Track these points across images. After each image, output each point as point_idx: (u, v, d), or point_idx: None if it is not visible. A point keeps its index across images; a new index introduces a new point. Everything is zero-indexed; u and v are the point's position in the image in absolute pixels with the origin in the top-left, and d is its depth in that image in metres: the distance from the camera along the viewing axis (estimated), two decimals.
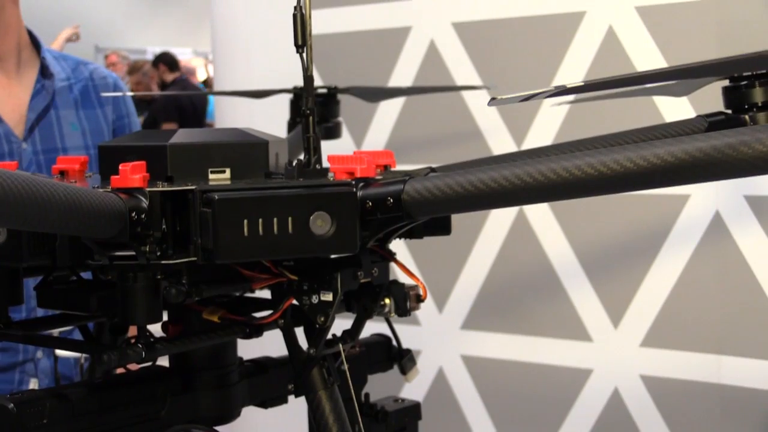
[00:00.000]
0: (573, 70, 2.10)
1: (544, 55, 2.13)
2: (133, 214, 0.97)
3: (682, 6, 1.99)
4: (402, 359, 1.36)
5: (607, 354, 2.11)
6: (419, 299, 1.17)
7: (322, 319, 1.08)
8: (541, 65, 2.13)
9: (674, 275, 2.03)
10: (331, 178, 1.08)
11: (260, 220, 0.99)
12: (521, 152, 1.33)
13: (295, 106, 1.69)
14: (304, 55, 1.11)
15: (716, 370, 1.99)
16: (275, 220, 0.99)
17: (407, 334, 1.45)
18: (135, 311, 1.02)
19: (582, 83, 0.92)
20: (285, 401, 1.29)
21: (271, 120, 1.94)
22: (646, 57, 2.03)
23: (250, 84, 2.41)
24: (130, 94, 2.19)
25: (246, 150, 1.13)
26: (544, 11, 2.13)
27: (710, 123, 1.36)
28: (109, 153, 1.14)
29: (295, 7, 1.11)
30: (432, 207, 1.04)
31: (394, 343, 1.38)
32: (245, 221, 0.98)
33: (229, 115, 2.49)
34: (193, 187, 1.01)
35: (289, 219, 1.00)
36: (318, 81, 2.35)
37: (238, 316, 1.13)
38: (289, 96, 1.75)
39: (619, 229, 2.10)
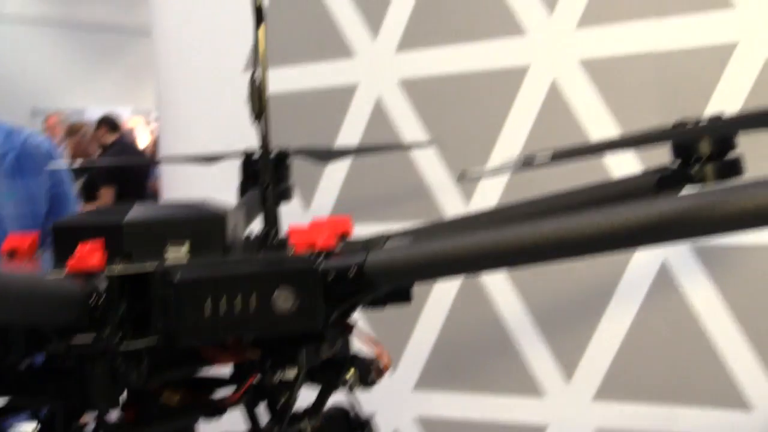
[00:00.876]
0: (518, 125, 2.12)
1: (490, 110, 2.14)
2: (92, 299, 0.95)
3: (626, 59, 2.02)
4: (363, 429, 1.34)
5: (561, 409, 2.11)
6: (381, 370, 1.16)
7: (286, 395, 1.06)
8: (487, 120, 2.15)
9: (624, 327, 2.04)
10: (292, 251, 1.07)
11: (223, 300, 0.97)
12: (476, 214, 1.33)
13: (247, 169, 1.68)
14: (261, 125, 1.10)
15: (671, 421, 2.00)
16: (238, 298, 0.97)
17: (360, 397, 1.43)
18: (93, 397, 1.00)
19: (549, 155, 0.92)
20: None
21: (221, 183, 1.92)
22: (590, 110, 2.05)
23: (197, 145, 2.39)
24: (73, 164, 2.16)
25: (204, 224, 1.11)
26: (488, 66, 2.15)
27: (660, 178, 1.37)
28: (63, 232, 1.12)
29: (252, 77, 1.10)
30: (394, 277, 1.03)
31: (352, 414, 1.36)
32: (208, 301, 0.97)
33: (177, 178, 2.46)
34: (153, 269, 0.99)
35: (252, 297, 0.98)
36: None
37: (198, 396, 1.11)
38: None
39: (569, 282, 2.10)
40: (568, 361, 2.09)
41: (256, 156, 1.68)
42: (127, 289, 0.99)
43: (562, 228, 0.96)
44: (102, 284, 0.96)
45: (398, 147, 2.09)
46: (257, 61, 1.10)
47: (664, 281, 2.00)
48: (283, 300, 0.99)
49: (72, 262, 0.98)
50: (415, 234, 1.22)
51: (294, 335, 1.08)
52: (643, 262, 2.01)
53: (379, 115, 2.26)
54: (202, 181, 2.36)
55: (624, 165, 1.99)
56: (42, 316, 0.88)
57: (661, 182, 1.36)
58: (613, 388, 2.05)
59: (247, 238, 1.10)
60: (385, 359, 1.16)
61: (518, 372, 2.14)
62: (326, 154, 1.86)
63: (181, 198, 1.20)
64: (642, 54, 2.01)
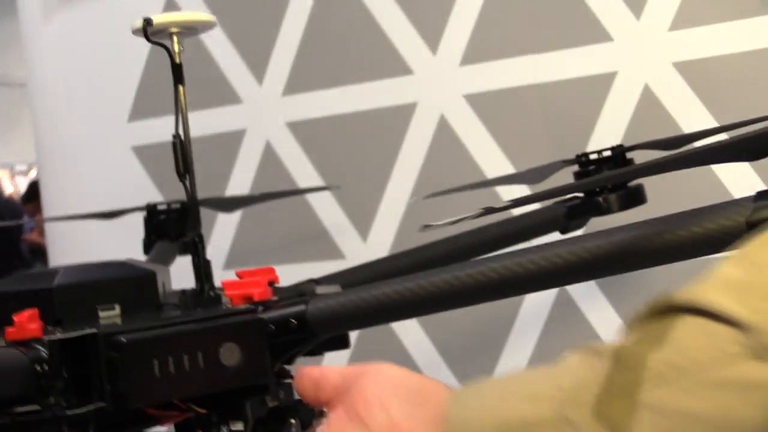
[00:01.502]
0: (409, 160, 2.15)
1: (381, 148, 2.18)
2: (36, 367, 0.94)
3: (509, 92, 2.08)
4: None
5: None
6: (323, 414, 1.17)
7: None
8: (379, 157, 2.17)
9: (526, 355, 2.08)
10: (228, 305, 1.07)
11: (170, 359, 0.97)
12: (398, 255, 1.36)
13: (151, 223, 1.66)
14: (187, 182, 1.10)
15: None
16: (186, 356, 0.97)
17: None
18: None
19: (509, 202, 0.95)
20: None
21: (118, 239, 1.90)
22: (478, 143, 2.10)
23: (83, 197, 2.36)
24: None
25: (134, 284, 1.10)
26: (376, 105, 2.18)
27: (569, 208, 1.43)
28: None
29: (174, 136, 1.11)
30: (336, 325, 1.05)
31: None
32: (155, 362, 0.96)
33: (66, 236, 2.42)
34: (95, 331, 0.98)
35: (199, 354, 0.98)
36: (156, 193, 2.32)
37: None
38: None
39: (470, 313, 2.14)
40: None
41: (160, 208, 1.67)
42: (68, 354, 0.97)
43: (503, 267, 0.99)
44: (43, 352, 0.95)
45: (299, 192, 2.11)
46: (178, 118, 1.11)
47: (563, 304, 2.05)
48: (229, 355, 0.99)
49: (12, 331, 0.96)
50: (341, 277, 1.24)
51: (239, 388, 1.08)
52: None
53: (269, 158, 2.27)
54: (89, 236, 2.33)
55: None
56: None
57: (570, 212, 1.41)
58: None
59: (183, 292, 1.10)
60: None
61: None
62: (232, 203, 1.86)
63: (101, 260, 1.19)
64: (525, 86, 2.07)
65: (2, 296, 1.07)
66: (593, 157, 1.44)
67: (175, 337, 0.98)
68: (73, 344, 0.98)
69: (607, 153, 1.43)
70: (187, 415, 1.06)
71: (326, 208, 2.23)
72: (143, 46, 2.36)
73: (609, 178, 1.36)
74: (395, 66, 2.16)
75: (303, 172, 2.24)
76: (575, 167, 1.47)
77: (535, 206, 1.49)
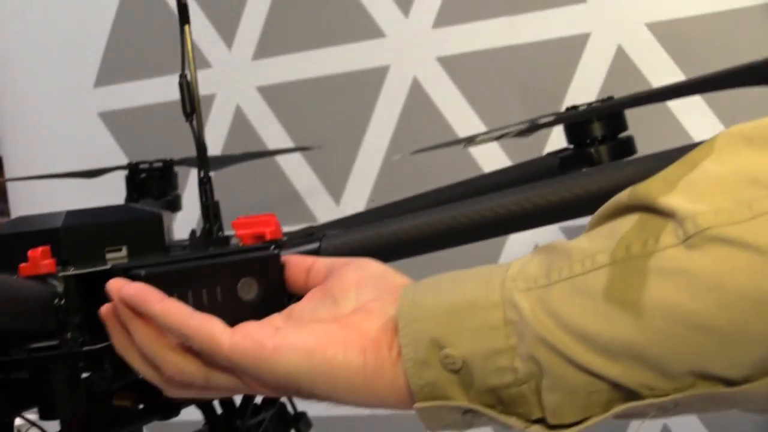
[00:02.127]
0: (382, 124, 2.15)
1: (353, 111, 2.17)
2: (55, 301, 0.92)
3: (482, 54, 2.09)
4: (298, 423, 1.34)
5: None
6: None
7: None
8: (351, 121, 2.17)
9: None
10: (238, 244, 1.06)
11: (189, 293, 0.96)
12: (396, 203, 1.36)
13: (133, 182, 1.64)
14: (194, 123, 1.09)
15: None
16: (204, 291, 0.96)
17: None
18: (57, 405, 0.96)
19: (553, 117, 0.96)
20: None
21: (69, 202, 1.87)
22: (452, 105, 2.11)
23: (47, 163, 2.32)
24: None
25: (142, 226, 1.09)
26: (348, 69, 2.17)
27: (561, 159, 1.43)
28: None
29: (181, 75, 1.09)
30: None
31: (290, 408, 1.36)
32: (175, 295, 0.95)
33: (21, 198, 2.38)
34: (109, 267, 0.97)
35: (217, 288, 0.97)
36: (124, 160, 2.29)
37: (151, 397, 1.09)
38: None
39: (445, 268, 2.14)
40: None
41: (142, 166, 1.65)
42: (82, 291, 0.96)
43: (514, 201, 1.00)
44: (59, 287, 0.94)
45: (282, 151, 2.10)
46: (185, 60, 1.09)
47: None
48: (247, 290, 0.99)
49: (25, 267, 0.94)
50: (347, 222, 1.23)
51: None
52: (516, 250, 2.08)
53: (239, 123, 2.25)
54: (50, 200, 2.29)
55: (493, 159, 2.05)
56: (14, 317, 0.85)
57: (563, 164, 1.42)
58: None
59: (193, 233, 1.09)
60: None
61: None
62: (213, 162, 1.84)
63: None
64: (498, 48, 2.08)
65: (6, 238, 1.05)
66: (582, 108, 1.45)
67: (194, 271, 0.96)
68: (87, 281, 0.96)
69: (597, 104, 1.44)
70: None
71: (298, 171, 2.22)
72: (109, 9, 2.34)
73: (622, 103, 1.35)
74: (367, 29, 2.15)
75: (274, 136, 2.23)
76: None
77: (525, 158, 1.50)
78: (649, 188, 0.65)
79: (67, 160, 2.30)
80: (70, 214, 1.07)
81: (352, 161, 2.18)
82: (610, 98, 1.45)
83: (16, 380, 1.05)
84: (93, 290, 0.97)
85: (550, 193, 1.01)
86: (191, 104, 1.08)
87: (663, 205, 0.63)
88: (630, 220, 0.65)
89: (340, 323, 0.75)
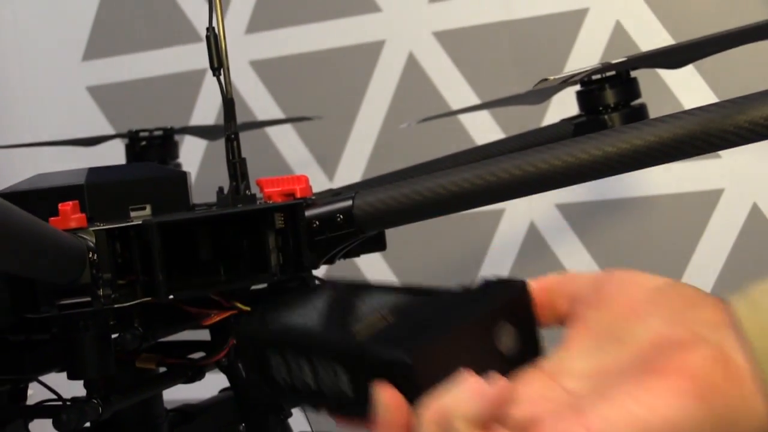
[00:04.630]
0: (377, 99, 2.13)
1: (348, 86, 2.15)
2: (89, 255, 0.90)
3: (476, 29, 2.07)
4: None
5: None
6: None
7: None
8: (345, 96, 2.15)
9: None
10: (263, 201, 1.04)
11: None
12: (439, 159, 1.35)
13: (132, 151, 1.62)
14: (222, 77, 1.07)
15: None
16: (472, 357, 0.94)
17: None
18: (87, 363, 0.94)
19: (624, 58, 0.94)
20: None
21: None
22: (448, 80, 2.09)
23: (37, 135, 2.28)
24: None
25: (166, 184, 1.07)
26: (343, 43, 2.15)
27: (576, 125, 1.42)
28: (14, 201, 1.04)
29: (208, 29, 1.07)
30: (384, 219, 1.02)
31: None
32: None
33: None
34: (140, 222, 0.94)
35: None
36: (110, 131, 2.26)
37: (176, 359, 1.07)
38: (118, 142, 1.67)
39: (439, 251, 2.14)
40: None
41: (142, 134, 1.63)
42: (113, 246, 0.94)
43: (556, 156, 0.98)
44: (91, 242, 0.91)
45: (281, 121, 2.07)
46: (212, 12, 1.07)
47: (533, 242, 2.06)
48: (506, 339, 0.88)
49: (56, 221, 0.92)
50: (370, 184, 1.22)
51: (279, 287, 1.06)
52: (511, 226, 2.07)
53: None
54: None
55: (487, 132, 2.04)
56: (51, 268, 0.83)
57: (577, 130, 1.41)
58: None
59: (220, 191, 1.06)
60: None
61: None
62: (214, 131, 1.82)
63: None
64: (495, 23, 2.06)
65: (27, 194, 1.02)
66: (596, 76, 1.44)
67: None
68: (116, 237, 0.94)
69: (611, 72, 1.43)
70: (230, 312, 1.03)
71: (292, 147, 2.19)
72: None
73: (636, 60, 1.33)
74: (362, 3, 2.13)
75: (267, 112, 2.20)
76: (577, 87, 1.47)
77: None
78: None
79: (55, 135, 2.26)
80: (93, 171, 1.05)
81: (346, 137, 2.15)
82: (624, 62, 1.43)
83: (38, 341, 1.03)
84: (123, 245, 0.95)
85: (587, 149, 0.99)
86: (218, 58, 1.06)
87: None
88: None
89: (656, 372, 0.54)
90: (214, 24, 1.06)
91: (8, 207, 0.72)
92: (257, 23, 2.21)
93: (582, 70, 1.14)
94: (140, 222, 0.94)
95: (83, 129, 2.22)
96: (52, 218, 0.92)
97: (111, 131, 2.24)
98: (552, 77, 0.97)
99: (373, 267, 2.15)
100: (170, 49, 2.26)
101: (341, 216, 1.01)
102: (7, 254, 0.74)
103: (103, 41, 2.31)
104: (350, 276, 1.15)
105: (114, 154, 1.75)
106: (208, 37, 1.06)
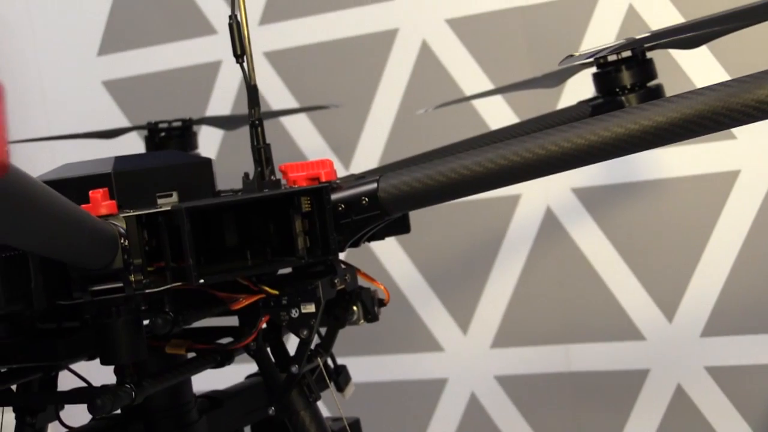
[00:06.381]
0: (391, 87, 2.14)
1: (362, 75, 2.16)
2: (121, 241, 0.91)
3: (490, 15, 2.08)
4: (338, 376, 1.33)
5: (460, 360, 2.15)
6: (382, 303, 1.16)
7: (306, 332, 1.04)
8: (360, 84, 2.16)
9: (515, 274, 2.10)
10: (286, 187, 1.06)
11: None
12: (464, 141, 1.36)
13: (151, 142, 1.63)
14: (245, 64, 1.08)
15: (565, 360, 2.07)
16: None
17: None
18: (120, 349, 0.95)
19: (648, 33, 0.95)
20: None
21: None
22: (462, 67, 2.10)
23: (53, 130, 2.30)
24: None
25: (192, 171, 1.08)
26: (356, 33, 2.16)
27: (593, 107, 1.43)
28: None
29: (230, 17, 1.08)
30: (409, 201, 1.03)
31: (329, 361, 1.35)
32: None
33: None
34: (168, 209, 0.95)
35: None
36: (125, 123, 2.28)
37: (205, 344, 1.08)
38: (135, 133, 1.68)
39: (456, 237, 2.15)
40: (464, 314, 2.13)
41: (161, 126, 1.64)
42: (141, 233, 0.95)
43: (578, 135, 0.99)
44: (122, 228, 0.92)
45: (297, 110, 2.08)
46: (234, 1, 1.08)
47: (549, 226, 2.07)
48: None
49: (86, 207, 0.93)
50: (394, 167, 1.22)
51: (308, 270, 1.07)
52: (528, 211, 2.08)
53: (245, 88, 2.23)
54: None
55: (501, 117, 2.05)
56: (85, 253, 0.84)
57: (594, 111, 1.42)
58: (508, 334, 2.11)
59: (246, 176, 1.08)
60: (384, 292, 1.16)
61: (416, 330, 2.16)
62: (231, 121, 1.83)
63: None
64: (508, 9, 2.07)
65: (55, 183, 1.03)
66: (612, 58, 1.45)
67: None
68: (146, 223, 0.95)
69: (627, 53, 1.43)
70: (259, 296, 1.04)
71: (308, 137, 2.20)
72: None
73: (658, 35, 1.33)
74: None
75: (282, 102, 2.21)
76: (593, 69, 1.48)
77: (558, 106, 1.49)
78: None
79: (71, 129, 2.27)
80: (120, 160, 1.06)
81: (362, 126, 2.16)
82: (639, 42, 1.43)
83: (67, 329, 1.04)
84: (149, 233, 0.96)
85: (603, 128, 0.99)
86: (241, 45, 1.07)
87: None
88: None
89: None
90: (237, 12, 1.06)
91: (51, 192, 0.73)
92: (270, 15, 2.21)
93: (607, 46, 1.14)
94: (169, 208, 0.95)
95: (99, 123, 2.24)
96: (84, 205, 0.93)
97: (127, 124, 2.25)
98: (578, 53, 0.98)
99: (390, 254, 2.16)
100: (184, 42, 2.27)
101: (366, 199, 1.02)
102: (49, 238, 0.76)
103: (118, 36, 2.32)
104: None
105: (130, 148, 1.76)
106: (230, 25, 1.07)
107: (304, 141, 2.21)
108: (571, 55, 1.03)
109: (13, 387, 1.10)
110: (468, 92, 2.09)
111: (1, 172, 0.49)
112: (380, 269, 2.17)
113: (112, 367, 1.00)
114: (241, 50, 1.08)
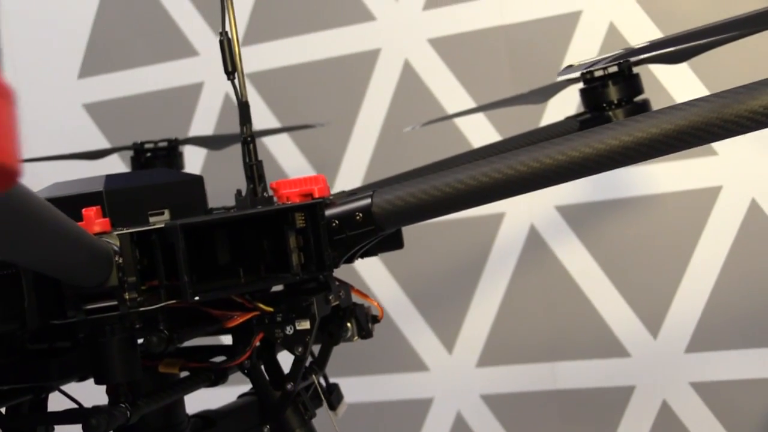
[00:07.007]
0: (374, 107, 2.14)
1: (345, 96, 2.16)
2: (116, 258, 0.90)
3: (472, 34, 2.08)
4: (331, 395, 1.32)
5: (446, 380, 2.14)
6: (375, 319, 1.16)
7: (301, 349, 1.03)
8: (343, 104, 2.16)
9: (500, 293, 2.10)
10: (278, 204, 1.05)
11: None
12: (424, 167, 1.35)
13: (137, 162, 1.62)
14: (236, 81, 1.07)
15: (551, 377, 2.07)
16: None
17: None
18: (114, 368, 0.94)
19: (647, 43, 0.95)
20: None
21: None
22: (444, 85, 2.10)
23: (31, 155, 2.27)
24: None
25: (184, 189, 1.07)
26: (338, 53, 2.16)
27: (581, 122, 1.44)
28: None
29: (221, 33, 1.08)
30: (403, 216, 1.03)
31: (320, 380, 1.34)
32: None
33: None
34: (162, 226, 0.95)
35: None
36: (106, 145, 2.26)
37: (198, 362, 1.07)
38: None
39: (440, 256, 2.14)
40: (449, 333, 2.13)
41: (147, 146, 1.63)
42: (134, 251, 0.94)
43: (572, 148, 0.99)
44: (116, 246, 0.91)
45: (285, 129, 2.07)
46: (225, 16, 1.08)
47: (533, 244, 2.07)
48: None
49: (80, 225, 0.92)
50: (382, 185, 1.22)
51: (302, 287, 1.06)
52: (512, 229, 2.08)
53: (228, 110, 2.23)
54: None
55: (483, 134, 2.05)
56: (81, 271, 0.83)
57: (583, 126, 1.42)
58: (494, 353, 2.10)
59: (238, 193, 1.07)
60: (378, 309, 1.15)
61: (400, 350, 2.15)
62: (217, 141, 1.83)
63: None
64: (490, 28, 2.07)
65: (50, 202, 1.02)
66: (599, 74, 1.45)
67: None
68: (139, 241, 0.94)
69: (614, 68, 1.44)
70: (253, 314, 1.03)
71: (290, 157, 2.20)
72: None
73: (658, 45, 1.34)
74: (357, 12, 2.14)
75: (265, 123, 2.21)
76: (580, 85, 1.48)
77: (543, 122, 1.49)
78: None
79: (51, 152, 2.26)
80: (111, 178, 1.05)
81: (345, 145, 2.16)
82: (627, 59, 1.44)
83: (59, 349, 1.03)
84: (141, 251, 0.95)
85: (598, 140, 1.00)
86: (232, 62, 1.06)
87: None
88: None
89: None
90: (227, 29, 1.06)
91: (51, 208, 0.72)
92: (253, 36, 2.21)
93: (605, 56, 1.15)
94: (162, 225, 0.94)
95: (80, 146, 2.22)
96: (78, 223, 0.92)
97: (108, 146, 2.24)
98: (577, 63, 0.99)
99: (373, 272, 2.16)
100: (166, 64, 2.26)
101: (360, 214, 1.01)
102: (50, 254, 0.75)
103: (98, 59, 2.31)
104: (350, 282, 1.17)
105: (112, 169, 1.75)
106: (221, 42, 1.07)
107: (288, 161, 2.21)
108: (571, 66, 1.03)
109: (2, 409, 1.08)
110: (451, 111, 2.10)
111: (13, 180, 0.48)
112: (363, 288, 2.16)
113: (96, 389, 0.99)
114: (232, 67, 1.07)
